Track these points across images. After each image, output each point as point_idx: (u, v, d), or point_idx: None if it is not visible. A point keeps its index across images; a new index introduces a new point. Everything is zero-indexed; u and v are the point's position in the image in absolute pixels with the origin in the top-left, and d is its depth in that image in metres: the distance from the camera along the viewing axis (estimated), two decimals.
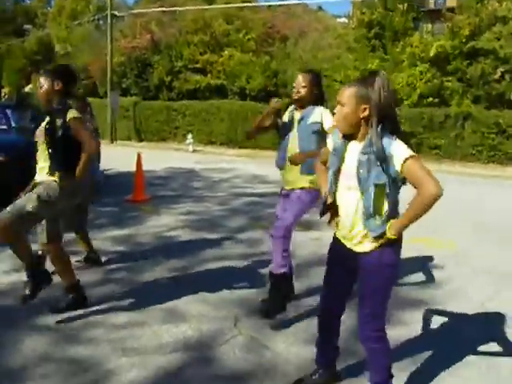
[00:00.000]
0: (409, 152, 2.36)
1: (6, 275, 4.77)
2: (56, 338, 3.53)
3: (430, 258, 5.64)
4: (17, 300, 4.06)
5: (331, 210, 2.68)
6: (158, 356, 3.30)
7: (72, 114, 3.64)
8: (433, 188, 2.31)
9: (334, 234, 2.76)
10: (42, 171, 3.79)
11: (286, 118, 4.11)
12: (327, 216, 2.74)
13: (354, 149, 2.51)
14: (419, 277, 5.05)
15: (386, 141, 2.38)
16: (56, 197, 3.62)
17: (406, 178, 2.41)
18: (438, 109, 16.88)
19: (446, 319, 4.07)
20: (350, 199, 2.54)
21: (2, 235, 3.54)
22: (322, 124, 3.87)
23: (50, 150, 3.69)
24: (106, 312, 3.96)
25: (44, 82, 3.72)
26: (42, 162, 3.80)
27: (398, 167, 2.37)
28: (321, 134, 3.88)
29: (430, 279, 4.99)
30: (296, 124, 4.00)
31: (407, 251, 5.68)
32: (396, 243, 2.54)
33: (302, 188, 3.93)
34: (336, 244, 2.74)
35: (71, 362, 3.19)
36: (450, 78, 17.60)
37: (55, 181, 3.64)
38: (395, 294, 4.50)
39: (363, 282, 2.63)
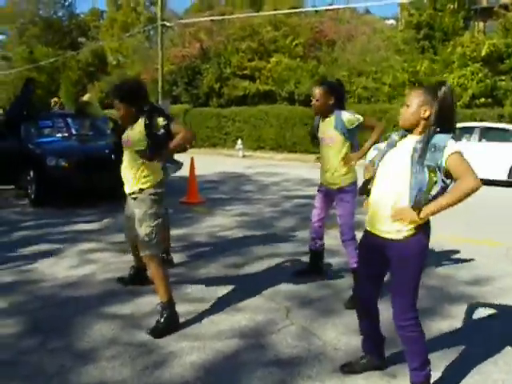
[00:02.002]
0: (457, 147, 2.59)
1: (75, 269, 5.15)
2: (121, 324, 3.83)
3: (481, 257, 5.66)
4: (86, 291, 4.42)
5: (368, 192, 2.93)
6: (216, 341, 3.53)
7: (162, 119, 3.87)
8: (472, 181, 2.53)
9: (365, 228, 2.95)
10: (129, 180, 3.89)
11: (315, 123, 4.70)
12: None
13: (410, 140, 2.75)
14: (469, 273, 5.09)
15: (442, 135, 2.63)
16: (150, 205, 3.82)
17: (449, 170, 2.59)
18: (491, 109, 16.56)
19: (493, 314, 4.13)
20: (392, 180, 2.72)
21: (155, 267, 3.81)
22: (359, 122, 4.39)
23: (151, 145, 3.80)
24: None
25: (121, 108, 3.89)
26: (130, 169, 3.88)
27: (444, 158, 2.58)
28: (355, 130, 4.44)
29: (480, 276, 5.02)
30: (327, 131, 4.48)
31: (459, 249, 5.78)
32: (424, 235, 2.71)
33: (341, 188, 4.44)
34: (367, 237, 2.94)
35: (136, 345, 3.47)
36: (504, 78, 17.23)
37: (143, 189, 3.83)
38: (444, 289, 4.62)
39: (393, 272, 2.81)
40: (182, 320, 3.85)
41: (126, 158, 3.97)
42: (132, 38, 36.42)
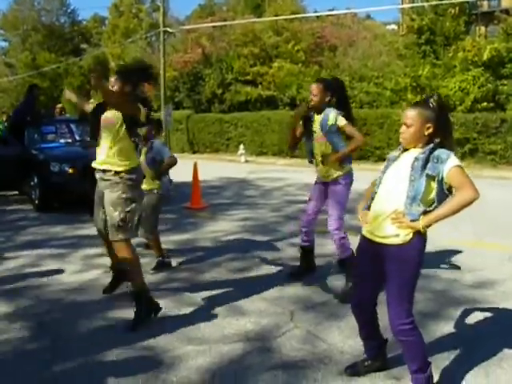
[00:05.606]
0: (458, 161, 2.67)
1: (79, 274, 5.18)
2: (126, 328, 3.83)
3: (486, 260, 5.66)
4: (91, 295, 4.44)
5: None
6: (221, 345, 3.55)
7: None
8: (472, 192, 2.61)
9: (361, 232, 2.98)
10: (103, 154, 3.89)
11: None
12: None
13: (412, 152, 2.80)
14: (474, 277, 5.09)
15: (444, 149, 2.70)
16: (125, 190, 3.80)
17: (450, 182, 2.66)
18: (493, 113, 16.55)
19: (496, 317, 4.13)
20: (393, 188, 2.78)
21: (127, 250, 3.82)
22: (337, 124, 4.46)
23: (133, 139, 3.91)
24: (171, 307, 4.24)
25: (115, 84, 3.93)
26: (108, 148, 3.87)
27: (446, 170, 2.64)
28: (340, 132, 4.49)
29: (485, 280, 5.02)
30: (317, 127, 4.58)
31: (464, 253, 5.79)
32: (421, 240, 2.75)
33: (334, 179, 4.56)
34: (364, 241, 2.97)
35: (143, 349, 3.49)
36: (506, 82, 17.23)
37: (117, 173, 3.81)
38: (449, 293, 4.62)
39: (389, 277, 2.82)
40: (186, 325, 3.87)
41: (105, 138, 3.92)
42: (134, 44, 36.55)
